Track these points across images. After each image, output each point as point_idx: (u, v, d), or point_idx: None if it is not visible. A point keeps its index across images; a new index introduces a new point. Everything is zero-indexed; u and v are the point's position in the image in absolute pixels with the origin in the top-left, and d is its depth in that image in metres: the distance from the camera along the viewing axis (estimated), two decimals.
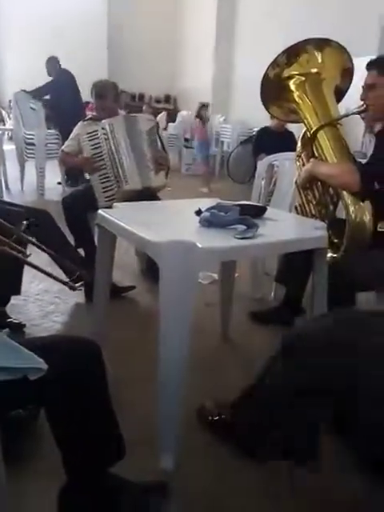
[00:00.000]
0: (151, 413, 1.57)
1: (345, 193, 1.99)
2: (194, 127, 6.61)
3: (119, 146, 2.75)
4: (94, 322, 2.14)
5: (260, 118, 4.09)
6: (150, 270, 2.95)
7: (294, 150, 2.36)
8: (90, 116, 3.30)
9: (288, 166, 2.75)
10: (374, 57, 2.00)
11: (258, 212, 1.86)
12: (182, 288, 1.45)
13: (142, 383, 1.88)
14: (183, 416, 1.54)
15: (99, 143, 2.79)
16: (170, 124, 9.43)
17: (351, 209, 1.97)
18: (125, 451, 1.29)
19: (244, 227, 1.63)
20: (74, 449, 1.21)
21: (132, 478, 1.34)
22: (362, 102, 1.97)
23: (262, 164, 3.07)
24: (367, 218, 1.94)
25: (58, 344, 1.21)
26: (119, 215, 1.80)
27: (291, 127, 4.68)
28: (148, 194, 2.72)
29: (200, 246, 1.43)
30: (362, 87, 1.96)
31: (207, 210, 1.72)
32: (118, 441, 1.28)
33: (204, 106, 6.52)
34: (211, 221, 1.67)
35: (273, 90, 2.27)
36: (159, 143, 2.95)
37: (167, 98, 11.85)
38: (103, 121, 2.80)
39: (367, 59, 1.96)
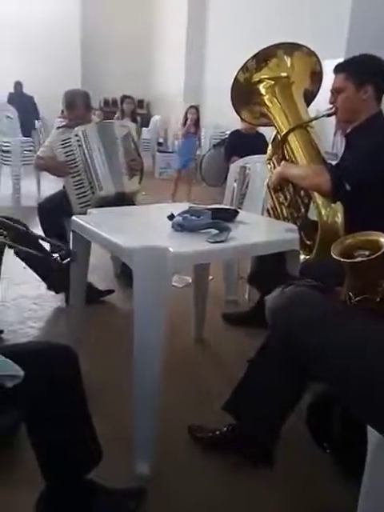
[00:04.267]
0: (127, 417, 1.57)
1: (316, 194, 2.01)
2: (185, 128, 6.16)
3: (92, 153, 2.75)
4: (71, 327, 2.14)
5: (232, 121, 4.11)
6: (125, 274, 2.95)
7: (265, 152, 2.38)
8: (64, 124, 3.29)
9: (260, 169, 2.78)
10: (341, 60, 2.01)
11: (231, 216, 1.87)
12: (155, 292, 1.46)
13: (118, 388, 1.88)
14: (159, 420, 1.54)
15: (72, 150, 2.79)
16: (143, 129, 9.41)
17: (323, 211, 1.99)
18: (101, 456, 1.29)
19: (216, 231, 1.64)
20: (51, 455, 1.21)
21: (107, 484, 1.34)
22: (331, 106, 1.99)
23: (234, 167, 3.09)
24: (339, 219, 1.96)
25: (34, 350, 1.22)
26: (93, 221, 1.81)
27: (262, 129, 4.71)
28: (123, 200, 2.73)
29: (172, 250, 1.44)
30: (331, 91, 1.98)
31: (179, 214, 1.73)
32: (94, 446, 1.29)
33: (193, 108, 6.32)
34: (183, 225, 1.67)
35: (243, 94, 2.29)
36: (133, 148, 2.95)
37: (140, 103, 11.83)
38: (76, 128, 2.80)
39: (335, 62, 1.98)
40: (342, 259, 1.19)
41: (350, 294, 1.22)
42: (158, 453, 1.55)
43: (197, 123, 6.23)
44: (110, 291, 2.93)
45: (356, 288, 1.21)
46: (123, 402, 1.65)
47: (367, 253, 1.17)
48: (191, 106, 6.33)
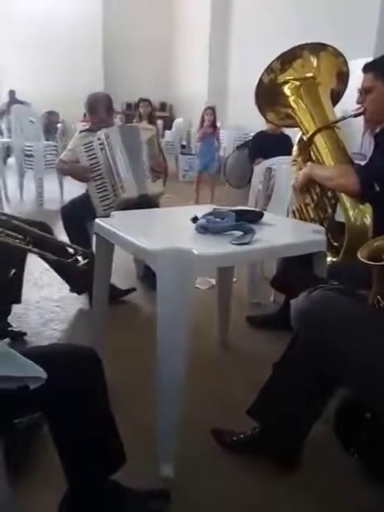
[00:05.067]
0: (150, 419, 1.57)
1: (343, 196, 1.98)
2: (202, 130, 6.19)
3: (115, 156, 2.76)
4: (93, 330, 2.14)
5: (256, 122, 4.09)
6: (148, 276, 2.96)
7: (290, 153, 2.35)
8: (86, 127, 3.32)
9: (285, 170, 2.75)
10: (370, 59, 1.97)
11: (255, 217, 1.85)
12: (179, 295, 1.45)
13: (141, 390, 1.88)
14: (183, 422, 1.54)
15: (95, 154, 2.80)
16: (166, 131, 9.46)
17: (350, 212, 1.96)
18: (125, 458, 1.30)
19: (240, 233, 1.63)
20: (75, 456, 1.22)
21: (131, 486, 1.34)
22: (359, 106, 1.95)
23: (259, 168, 3.07)
24: (368, 221, 1.92)
25: (57, 353, 1.23)
26: (116, 224, 1.80)
27: (288, 130, 4.68)
28: (146, 202, 2.72)
29: (196, 252, 1.43)
30: (359, 91, 1.94)
31: (203, 216, 1.72)
32: (118, 448, 1.29)
33: (209, 109, 6.34)
34: (207, 227, 1.66)
35: (268, 95, 2.27)
36: (158, 151, 2.95)
37: (163, 106, 11.88)
38: (99, 132, 2.81)
39: (363, 61, 1.94)
40: (369, 262, 1.16)
41: (379, 297, 1.19)
42: (181, 455, 1.54)
43: (214, 124, 6.24)
44: (132, 289, 2.96)
45: None
46: (147, 404, 1.65)
47: None
48: (208, 108, 6.35)
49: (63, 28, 10.82)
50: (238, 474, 1.57)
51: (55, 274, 2.73)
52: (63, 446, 1.21)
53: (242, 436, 1.65)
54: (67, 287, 2.87)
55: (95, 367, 1.23)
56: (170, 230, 1.92)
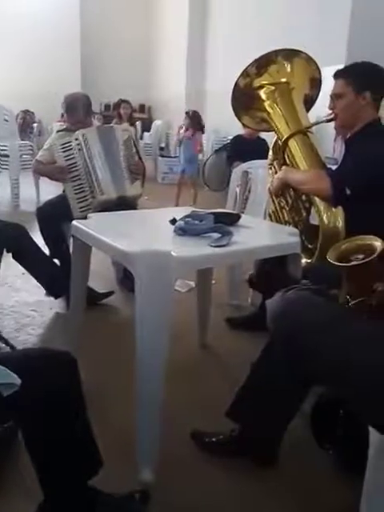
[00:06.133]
0: (129, 423, 1.56)
1: (317, 199, 2.02)
2: (185, 137, 6.32)
3: (93, 157, 2.73)
4: (70, 333, 2.12)
5: (234, 126, 4.14)
6: (127, 279, 2.95)
7: (266, 157, 2.39)
8: (64, 127, 3.28)
9: (262, 174, 2.79)
10: (341, 66, 2.04)
11: (233, 220, 1.88)
12: (158, 297, 1.45)
13: (120, 393, 1.87)
14: (162, 426, 1.53)
15: (73, 154, 2.76)
16: (145, 133, 9.45)
17: (323, 215, 2.00)
18: (102, 463, 1.27)
19: (218, 235, 1.65)
20: (50, 464, 1.19)
21: (110, 490, 1.32)
22: (331, 111, 2.01)
23: (237, 172, 3.11)
24: (340, 223, 1.97)
25: (31, 357, 1.19)
26: (93, 225, 1.79)
27: (264, 134, 4.74)
28: (124, 204, 2.70)
29: (175, 254, 1.44)
30: (330, 96, 2.00)
31: (182, 218, 1.73)
32: (94, 453, 1.27)
33: (196, 113, 6.39)
34: (186, 229, 1.68)
35: (244, 99, 2.30)
36: (135, 152, 2.95)
37: (142, 108, 11.88)
38: (77, 132, 2.77)
39: (335, 68, 2.00)
40: (338, 264, 1.21)
41: (348, 297, 1.23)
42: (161, 459, 1.53)
43: (194, 127, 6.31)
44: (110, 293, 2.94)
45: (352, 291, 1.23)
46: (124, 408, 1.64)
47: (362, 256, 1.19)
48: (189, 111, 6.46)
49: (40, 27, 10.66)
50: (218, 475, 1.57)
51: (31, 277, 2.70)
52: (38, 452, 1.18)
53: (221, 437, 1.66)
54: (43, 291, 2.83)
55: (71, 371, 1.20)
56: (148, 232, 1.91)
